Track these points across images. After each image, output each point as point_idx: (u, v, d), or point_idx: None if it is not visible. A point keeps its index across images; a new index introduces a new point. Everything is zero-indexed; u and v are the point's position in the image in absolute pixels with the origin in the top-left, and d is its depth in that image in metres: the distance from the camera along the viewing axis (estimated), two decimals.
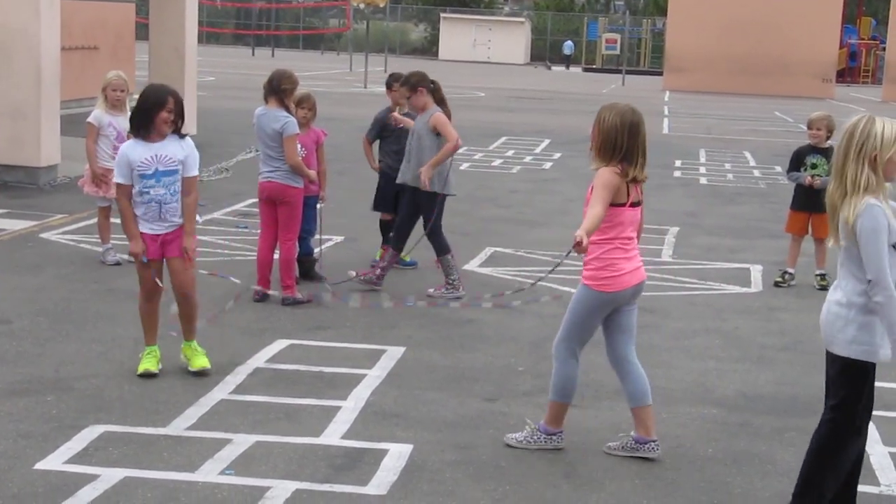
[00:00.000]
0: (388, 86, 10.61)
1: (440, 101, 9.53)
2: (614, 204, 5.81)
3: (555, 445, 6.12)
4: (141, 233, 6.94)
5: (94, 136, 9.91)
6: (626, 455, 6.08)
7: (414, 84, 9.44)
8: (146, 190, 6.86)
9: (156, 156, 6.84)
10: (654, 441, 6.06)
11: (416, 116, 9.92)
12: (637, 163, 5.86)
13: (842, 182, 4.85)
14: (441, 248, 9.53)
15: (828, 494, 5.09)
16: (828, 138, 10.19)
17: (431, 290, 9.48)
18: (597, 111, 6.01)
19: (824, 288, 9.89)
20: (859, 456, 5.19)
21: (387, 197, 10.44)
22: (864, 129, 4.81)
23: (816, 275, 10.36)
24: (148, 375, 6.95)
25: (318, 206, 9.78)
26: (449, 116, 9.52)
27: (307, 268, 9.78)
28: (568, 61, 68.11)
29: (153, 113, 6.79)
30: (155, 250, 6.99)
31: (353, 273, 9.60)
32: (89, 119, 9.96)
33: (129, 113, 10.05)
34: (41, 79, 13.75)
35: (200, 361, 7.10)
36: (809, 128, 10.37)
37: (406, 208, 9.61)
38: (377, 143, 10.61)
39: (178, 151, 6.91)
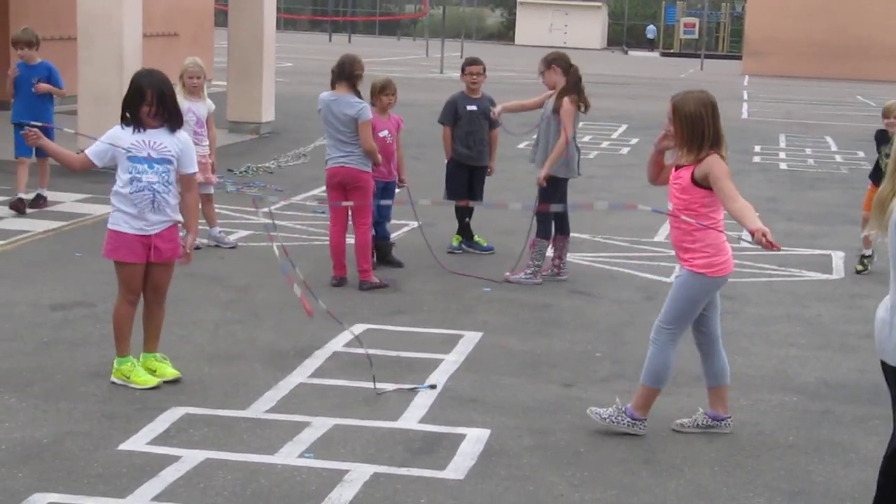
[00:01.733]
0: (463, 69, 10.58)
1: (574, 87, 9.31)
2: (704, 188, 5.85)
3: (636, 431, 6.09)
4: (129, 234, 6.45)
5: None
6: (700, 431, 6.15)
7: (550, 61, 9.37)
8: (138, 176, 6.39)
9: (148, 141, 6.44)
10: (729, 417, 6.20)
11: (477, 101, 10.01)
12: (724, 144, 5.89)
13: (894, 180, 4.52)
14: (543, 231, 9.42)
15: None
16: None
17: (508, 274, 9.43)
18: (670, 102, 5.97)
19: None
20: None
21: (460, 184, 10.42)
22: None
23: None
24: (156, 388, 6.52)
25: (397, 190, 9.82)
26: (586, 104, 9.40)
27: (384, 252, 9.81)
28: (652, 45, 67.47)
29: (137, 105, 6.42)
30: (140, 253, 6.49)
31: (509, 274, 9.45)
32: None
33: (207, 99, 10.21)
34: (123, 65, 13.92)
35: (172, 371, 6.66)
36: (885, 116, 10.05)
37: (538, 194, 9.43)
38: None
39: (174, 144, 6.50)
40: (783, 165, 18.01)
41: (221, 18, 29.03)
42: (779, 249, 5.77)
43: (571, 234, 9.83)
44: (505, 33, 74.60)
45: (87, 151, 6.56)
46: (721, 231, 5.97)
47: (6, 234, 10.28)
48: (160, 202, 6.47)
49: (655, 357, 6.07)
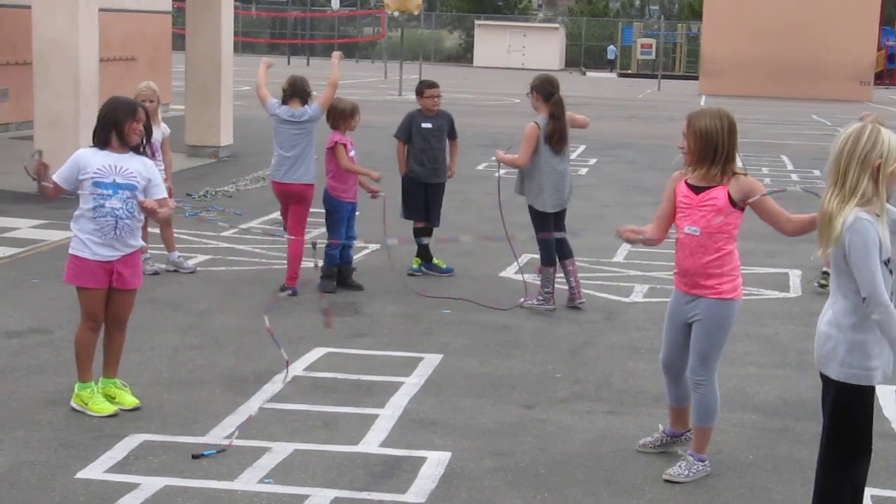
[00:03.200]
0: (420, 92, 10.59)
1: (555, 116, 9.22)
2: (739, 209, 5.76)
3: (706, 472, 5.90)
4: (90, 260, 6.37)
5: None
6: (661, 451, 6.16)
7: (532, 87, 9.33)
8: (101, 202, 6.33)
9: (115, 166, 6.37)
10: (688, 431, 6.14)
11: (433, 118, 10.08)
12: (734, 162, 5.80)
13: (841, 189, 4.52)
14: (546, 259, 9.30)
15: None
16: None
17: (523, 300, 9.38)
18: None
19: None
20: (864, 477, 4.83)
21: (416, 202, 10.43)
22: (870, 137, 4.49)
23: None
24: (114, 416, 6.42)
25: (382, 193, 9.85)
26: (563, 130, 9.24)
27: (345, 276, 9.79)
28: (612, 66, 67.89)
29: (124, 122, 6.37)
30: (102, 278, 6.42)
31: (523, 300, 9.40)
32: None
33: (161, 123, 10.18)
34: (79, 90, 13.85)
35: (131, 399, 6.57)
36: None
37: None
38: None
39: (141, 168, 6.43)
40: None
41: (179, 42, 28.97)
42: None
43: (530, 255, 9.84)
44: (463, 55, 74.88)
45: (55, 178, 6.47)
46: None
47: None
48: (123, 228, 6.41)
49: (706, 398, 5.85)
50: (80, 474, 5.61)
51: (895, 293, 4.56)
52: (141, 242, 6.60)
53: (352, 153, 9.77)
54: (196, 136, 18.38)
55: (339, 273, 9.71)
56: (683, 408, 6.13)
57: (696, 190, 5.76)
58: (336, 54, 10.29)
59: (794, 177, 19.12)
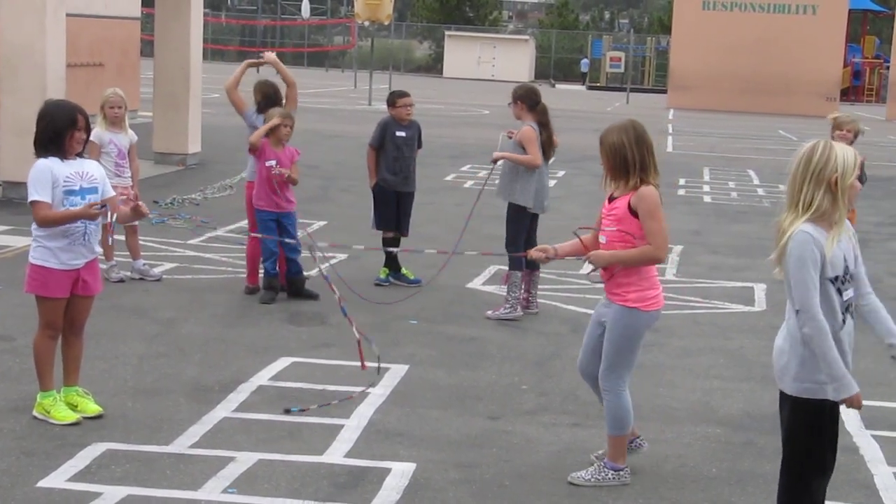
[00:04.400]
0: (391, 103, 10.54)
1: (543, 124, 9.39)
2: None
3: (624, 481, 5.95)
4: (56, 269, 6.33)
5: (96, 154, 9.87)
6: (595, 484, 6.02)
7: (516, 97, 9.41)
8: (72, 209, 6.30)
9: (78, 172, 6.36)
10: (638, 437, 6.23)
11: (406, 127, 10.07)
12: (653, 171, 5.85)
13: (795, 207, 4.59)
14: (515, 264, 9.37)
15: None
16: (852, 142, 9.70)
17: (490, 312, 9.43)
18: (601, 130, 6.00)
19: None
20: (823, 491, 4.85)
21: (388, 210, 10.41)
22: (822, 154, 4.54)
23: None
24: (77, 424, 6.37)
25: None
26: (552, 136, 9.44)
27: (297, 287, 9.70)
28: (585, 78, 68.08)
29: (65, 133, 6.30)
30: (67, 287, 6.39)
31: (490, 312, 9.44)
32: (91, 137, 9.89)
33: (129, 130, 10.11)
34: (47, 95, 13.69)
35: (94, 407, 6.53)
36: (838, 129, 9.61)
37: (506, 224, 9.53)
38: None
39: (97, 170, 6.48)
40: (707, 198, 18.25)
41: (147, 48, 28.86)
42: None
43: (497, 268, 9.85)
44: (433, 66, 74.97)
45: (41, 200, 6.29)
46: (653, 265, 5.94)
47: None
48: (89, 234, 6.41)
49: (617, 405, 5.91)
50: (42, 483, 5.56)
51: (852, 307, 4.61)
52: (100, 249, 6.58)
53: (270, 162, 9.43)
54: (164, 144, 18.30)
55: (292, 285, 9.64)
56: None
57: (611, 200, 5.91)
58: (269, 55, 10.29)
59: (761, 191, 19.25)
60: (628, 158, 5.79)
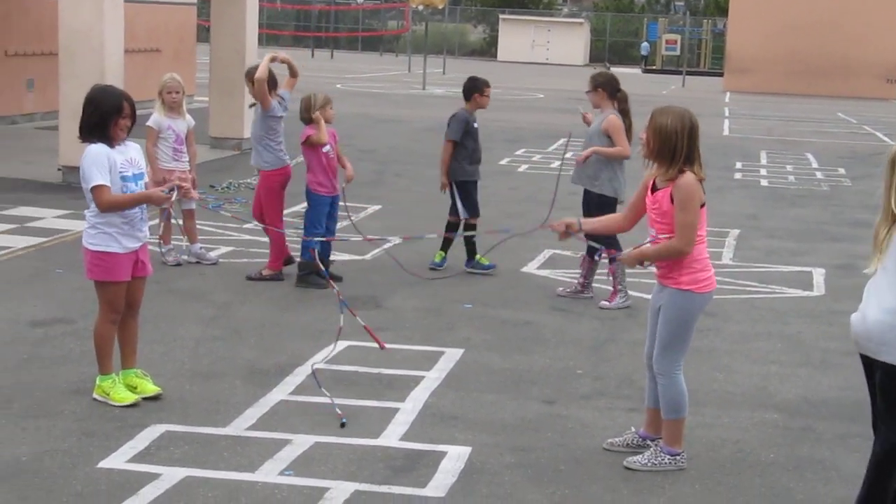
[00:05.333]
0: (479, 90, 10.26)
1: (624, 112, 9.42)
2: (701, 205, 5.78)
3: (680, 466, 5.93)
4: (120, 254, 6.39)
5: (153, 139, 9.98)
6: (629, 451, 6.06)
7: (597, 84, 9.39)
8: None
9: (128, 159, 6.39)
10: (660, 438, 6.05)
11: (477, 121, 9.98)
12: (699, 163, 5.80)
13: (887, 210, 4.73)
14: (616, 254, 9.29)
15: None
16: None
17: (605, 303, 9.29)
18: (650, 114, 5.94)
19: None
20: None
21: (474, 201, 10.36)
22: None
23: None
24: (135, 405, 6.45)
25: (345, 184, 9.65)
26: (629, 128, 9.42)
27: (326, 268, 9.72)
28: (644, 62, 67.54)
29: (110, 119, 6.29)
30: (129, 270, 6.47)
31: (605, 303, 9.33)
32: (149, 123, 9.99)
33: (186, 115, 10.18)
34: (105, 81, 13.78)
35: (153, 388, 6.58)
36: None
37: (585, 211, 9.45)
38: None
39: (139, 155, 6.49)
40: (764, 182, 18.07)
41: (203, 34, 29.04)
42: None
43: (552, 251, 9.80)
44: (487, 49, 74.75)
45: (104, 184, 6.29)
46: (704, 247, 5.89)
47: None
48: (143, 218, 6.50)
49: (673, 389, 5.89)
50: (102, 464, 5.64)
51: None
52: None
53: (325, 148, 9.51)
54: (220, 128, 18.41)
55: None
56: (657, 408, 6.06)
57: (654, 190, 5.86)
58: (283, 54, 10.18)
59: (819, 175, 19.01)
60: (677, 147, 5.71)
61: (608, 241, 9.06)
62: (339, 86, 35.74)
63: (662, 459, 5.91)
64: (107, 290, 6.49)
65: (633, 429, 6.23)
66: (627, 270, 9.17)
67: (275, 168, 9.85)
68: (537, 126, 24.57)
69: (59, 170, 14.23)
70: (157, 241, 10.05)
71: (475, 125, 10.35)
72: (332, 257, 9.89)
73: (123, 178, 6.36)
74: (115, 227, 6.40)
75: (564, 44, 68.45)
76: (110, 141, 6.34)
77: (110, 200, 6.31)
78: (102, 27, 13.82)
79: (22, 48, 19.64)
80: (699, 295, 5.83)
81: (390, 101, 31.44)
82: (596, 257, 9.47)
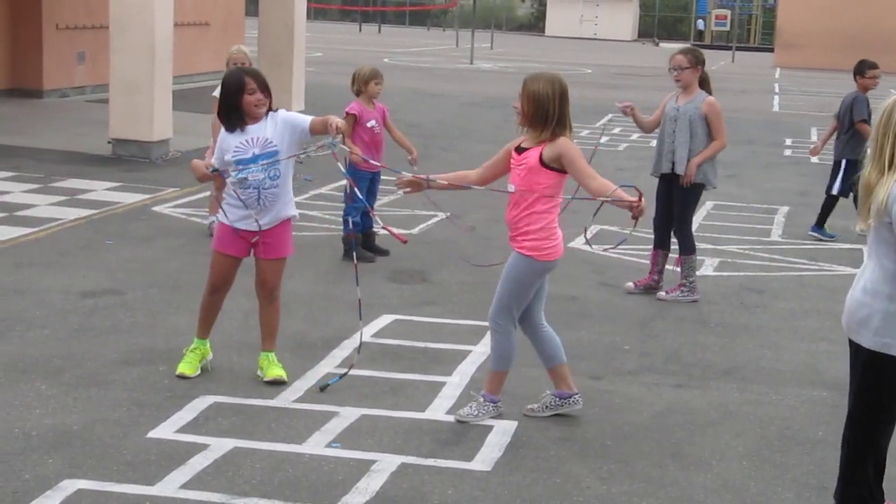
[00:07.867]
0: (861, 72, 9.96)
1: (710, 92, 8.83)
2: (561, 172, 5.92)
3: (499, 412, 6.15)
4: (235, 229, 6.47)
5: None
6: (550, 414, 6.19)
7: (701, 60, 8.82)
8: (244, 176, 6.39)
9: (252, 139, 6.39)
10: (576, 394, 6.23)
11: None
12: (570, 129, 5.98)
13: (880, 160, 4.56)
14: (688, 246, 8.84)
15: (873, 488, 4.76)
16: None
17: (663, 294, 8.90)
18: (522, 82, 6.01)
19: None
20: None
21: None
22: None
23: None
24: (183, 378, 6.51)
25: (414, 168, 9.58)
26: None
27: (370, 241, 9.78)
28: (701, 37, 66.89)
29: (236, 99, 6.35)
30: (236, 247, 6.53)
31: (664, 294, 8.90)
32: (214, 93, 10.02)
33: None
34: (155, 54, 13.97)
35: (276, 371, 6.56)
36: None
37: (664, 199, 8.92)
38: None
39: (272, 131, 6.46)
40: (814, 159, 17.84)
41: (252, 7, 29.10)
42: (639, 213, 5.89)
43: (599, 227, 9.73)
44: (535, 24, 74.41)
45: (216, 163, 6.51)
46: (556, 217, 6.00)
47: (38, 221, 10.35)
48: (266, 198, 6.44)
49: (503, 343, 6.09)
50: (152, 433, 5.70)
51: None
52: (292, 212, 6.62)
53: (370, 123, 9.50)
54: None
55: (364, 239, 9.66)
56: (553, 367, 6.24)
57: (520, 151, 5.99)
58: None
59: (870, 151, 18.76)
60: (549, 111, 5.88)
61: (685, 245, 8.87)
62: (386, 60, 35.75)
63: (488, 409, 6.11)
64: (212, 257, 6.66)
65: (547, 391, 6.33)
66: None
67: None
68: (585, 101, 24.44)
69: (108, 142, 14.33)
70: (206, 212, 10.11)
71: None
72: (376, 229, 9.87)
73: (238, 162, 6.37)
74: (230, 205, 6.52)
75: (613, 19, 67.98)
76: (242, 122, 6.39)
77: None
78: (153, 1, 13.88)
79: (73, 21, 19.76)
80: (539, 262, 5.97)
81: (437, 75, 31.40)
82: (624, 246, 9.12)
